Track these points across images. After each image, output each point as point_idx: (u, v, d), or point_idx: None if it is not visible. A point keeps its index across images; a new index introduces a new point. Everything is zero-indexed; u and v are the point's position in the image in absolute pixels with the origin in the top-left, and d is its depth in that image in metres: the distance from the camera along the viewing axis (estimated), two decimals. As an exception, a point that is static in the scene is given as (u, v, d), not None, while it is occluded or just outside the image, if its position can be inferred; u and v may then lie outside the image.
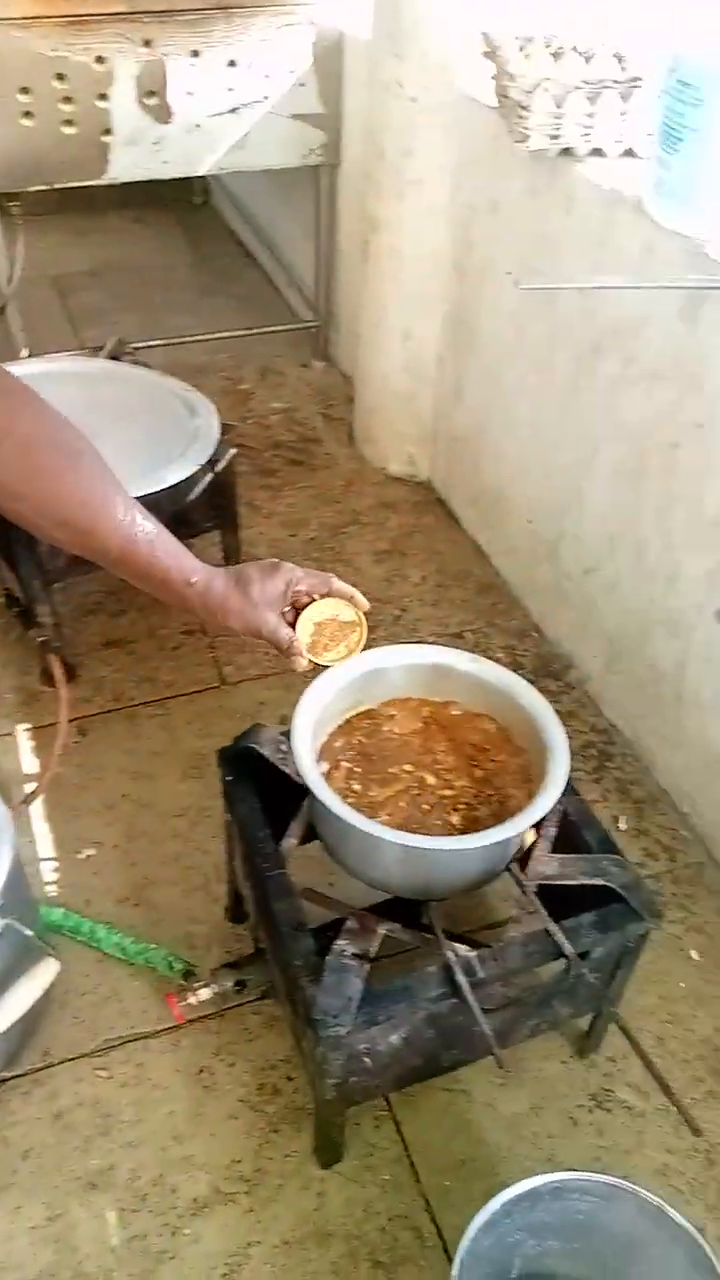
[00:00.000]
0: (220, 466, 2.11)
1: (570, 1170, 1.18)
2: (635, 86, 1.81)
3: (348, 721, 1.48)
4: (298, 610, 1.24)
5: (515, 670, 2.23)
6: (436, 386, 2.63)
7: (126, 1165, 1.46)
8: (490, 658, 2.27)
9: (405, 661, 1.49)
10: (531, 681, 2.21)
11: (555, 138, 1.86)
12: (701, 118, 1.51)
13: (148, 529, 1.07)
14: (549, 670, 2.26)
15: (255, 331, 3.35)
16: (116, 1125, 1.50)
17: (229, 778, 1.53)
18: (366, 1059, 1.29)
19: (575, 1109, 1.53)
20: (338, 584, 1.24)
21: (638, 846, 1.89)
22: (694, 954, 1.73)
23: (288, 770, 1.44)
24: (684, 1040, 1.61)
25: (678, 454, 1.73)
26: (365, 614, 1.31)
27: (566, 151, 1.89)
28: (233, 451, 2.14)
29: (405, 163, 2.33)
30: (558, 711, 2.14)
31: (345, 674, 1.44)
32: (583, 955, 1.33)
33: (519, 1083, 1.55)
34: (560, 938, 1.29)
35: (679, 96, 1.53)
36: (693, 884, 1.84)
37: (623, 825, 1.93)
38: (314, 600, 1.25)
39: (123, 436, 2.12)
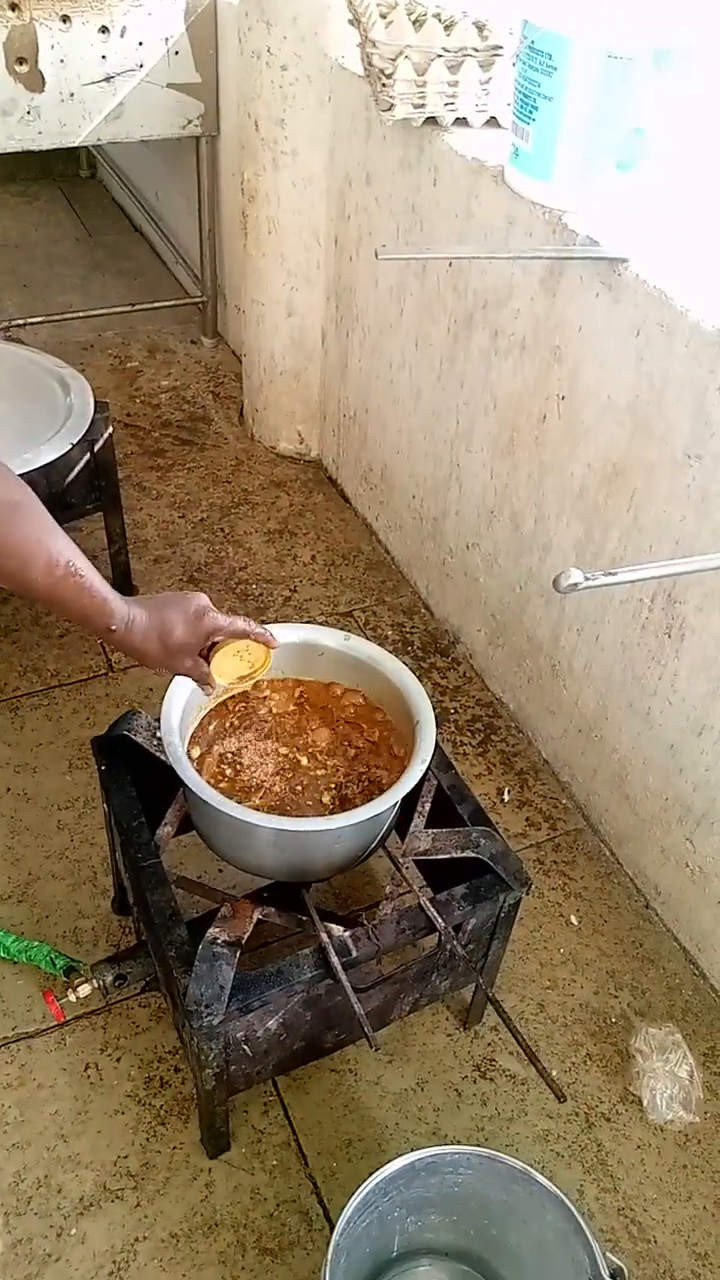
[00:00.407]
0: (98, 445, 2.06)
1: (446, 1144, 1.19)
2: (496, 55, 1.80)
3: (221, 704, 1.46)
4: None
5: (405, 647, 2.26)
6: (322, 363, 2.60)
7: (11, 1168, 1.43)
8: (380, 635, 2.29)
9: (278, 640, 1.47)
10: (419, 659, 2.25)
11: (419, 106, 1.84)
12: (555, 86, 1.50)
13: (77, 579, 1.07)
14: (437, 646, 2.27)
15: (143, 308, 3.27)
16: (0, 1127, 1.47)
17: (104, 766, 1.49)
18: (245, 1046, 1.28)
19: (460, 1081, 1.54)
20: (255, 630, 1.25)
21: (521, 817, 1.91)
22: (573, 919, 1.76)
23: (163, 757, 1.41)
24: (564, 1005, 1.64)
25: (546, 426, 1.74)
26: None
27: (432, 121, 1.87)
28: (109, 430, 2.08)
29: (278, 132, 2.29)
30: (446, 687, 2.19)
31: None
32: (457, 928, 1.33)
33: (405, 1058, 1.56)
34: (431, 912, 1.30)
35: (532, 64, 1.52)
36: (572, 850, 1.87)
37: (506, 797, 1.95)
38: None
39: (-9, 417, 2.06)
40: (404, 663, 1.45)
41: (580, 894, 1.81)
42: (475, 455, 1.99)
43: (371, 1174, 1.18)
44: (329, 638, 1.46)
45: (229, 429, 2.90)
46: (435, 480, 2.18)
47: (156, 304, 3.29)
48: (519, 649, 2.01)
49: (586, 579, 0.91)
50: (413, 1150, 1.33)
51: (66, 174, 4.25)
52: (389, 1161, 1.18)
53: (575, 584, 0.91)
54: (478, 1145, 1.45)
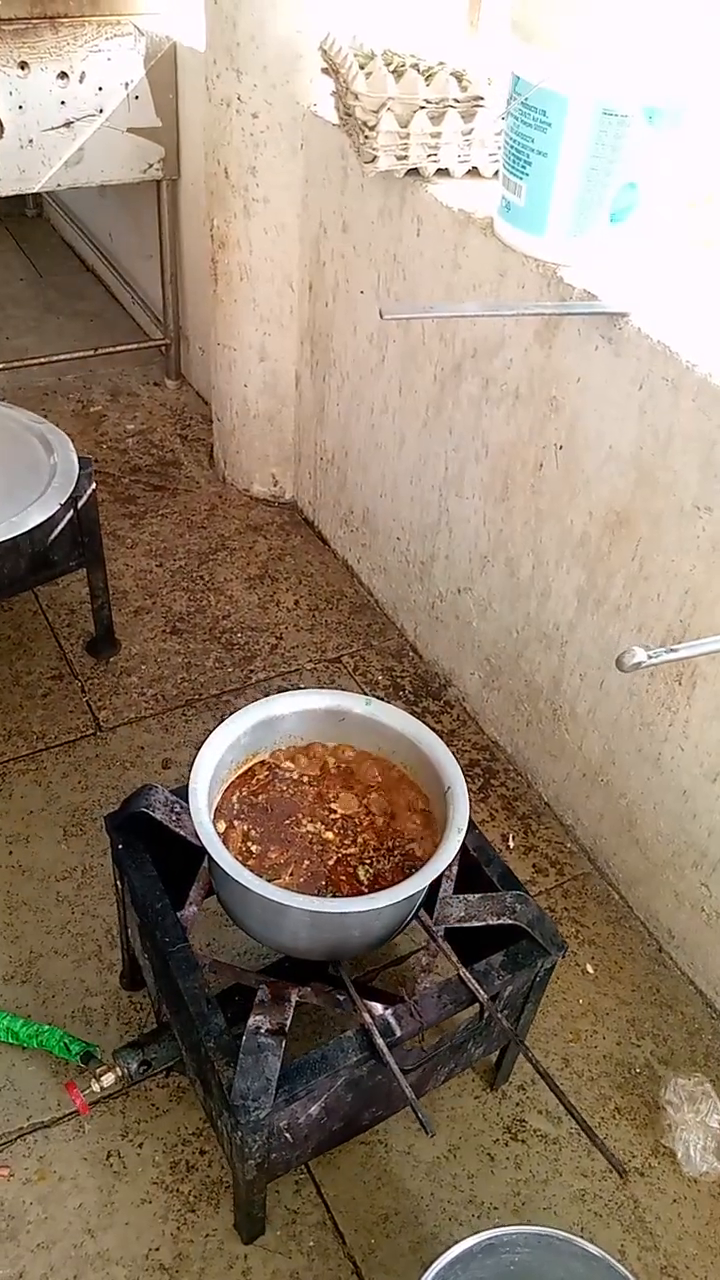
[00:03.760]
0: (81, 503, 2.01)
1: (501, 1225, 1.17)
2: (478, 106, 1.81)
3: (244, 775, 1.43)
4: None
5: (396, 691, 2.24)
6: (297, 406, 2.58)
7: (37, 1270, 1.37)
8: (370, 680, 2.27)
9: (299, 707, 1.44)
10: (411, 703, 2.23)
11: (402, 158, 1.84)
12: (549, 142, 1.51)
13: None
14: (428, 690, 2.26)
15: (103, 351, 3.22)
16: (23, 1227, 1.41)
17: (120, 845, 1.44)
18: (287, 1134, 1.24)
19: (491, 1144, 1.52)
20: None
21: (528, 863, 1.90)
22: (589, 968, 1.75)
23: (183, 833, 1.37)
24: (588, 1059, 1.63)
25: (542, 474, 1.74)
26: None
27: (414, 171, 1.87)
28: (93, 487, 2.04)
29: (249, 180, 2.27)
30: (440, 731, 2.17)
31: (238, 725, 1.39)
32: (493, 997, 1.31)
33: (435, 1125, 1.53)
34: (473, 984, 1.27)
35: (525, 120, 1.53)
36: (581, 895, 1.86)
37: (512, 843, 1.93)
38: None
39: (-26, 479, 2.00)
40: (397, 707, 1.43)
41: (594, 940, 1.80)
42: (466, 501, 1.99)
43: (416, 1247, 1.15)
44: (352, 703, 1.44)
45: (200, 472, 2.87)
46: (423, 525, 2.17)
47: (118, 347, 3.24)
48: (516, 693, 2.00)
49: (650, 656, 0.90)
50: (449, 1221, 1.31)
51: (11, 214, 4.19)
52: (429, 1233, 1.16)
53: (639, 663, 0.90)
54: (515, 1210, 1.44)
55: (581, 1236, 1.18)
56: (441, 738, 2.13)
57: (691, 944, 1.72)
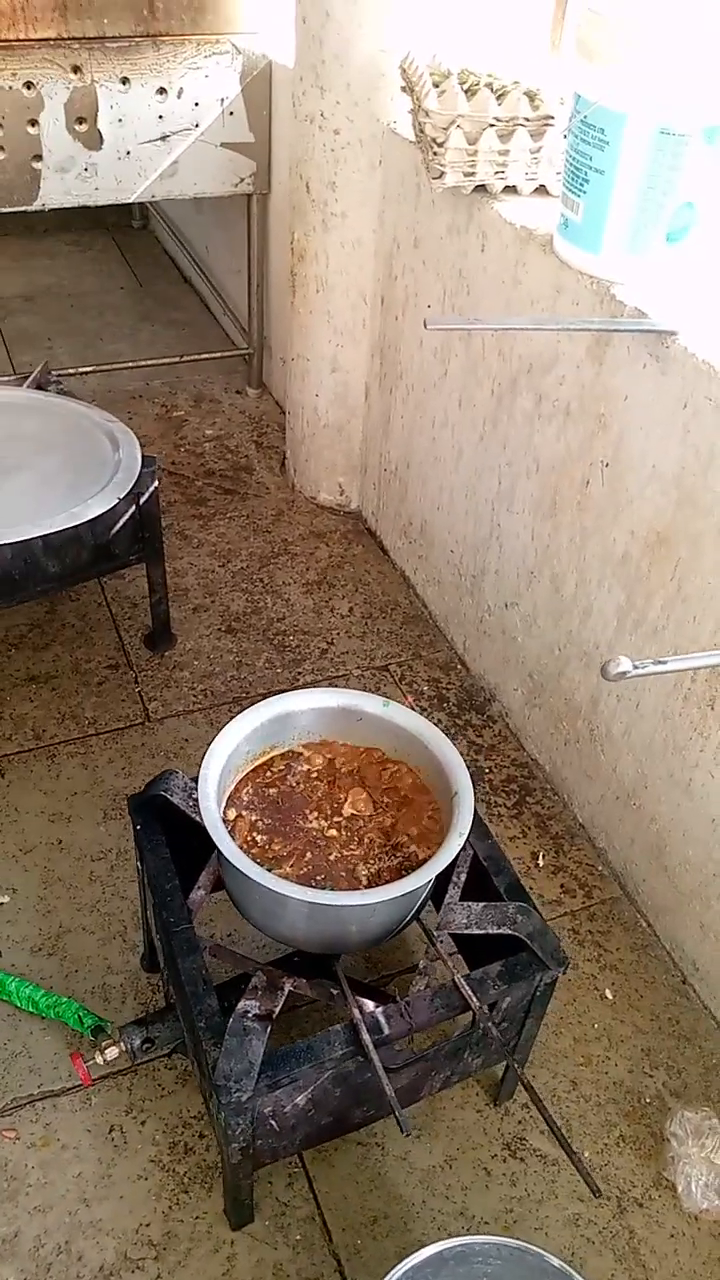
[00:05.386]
0: (144, 499, 2.09)
1: (477, 1234, 1.16)
2: (547, 125, 1.82)
3: (258, 768, 1.46)
4: None
5: (440, 704, 2.25)
6: (365, 417, 2.62)
7: (31, 1232, 1.41)
8: (416, 691, 2.29)
9: (315, 705, 1.47)
10: (454, 715, 2.23)
11: (470, 175, 1.86)
12: (607, 160, 1.52)
13: None
14: (473, 704, 2.25)
15: (190, 359, 3.32)
16: (23, 1189, 1.46)
17: (139, 826, 1.49)
18: (272, 1121, 1.26)
19: (489, 1159, 1.50)
20: None
21: (556, 883, 1.88)
22: (608, 993, 1.72)
23: (198, 819, 1.41)
24: (597, 1084, 1.60)
25: (589, 491, 1.73)
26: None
27: (482, 188, 1.89)
28: (155, 484, 2.11)
29: (329, 194, 2.32)
30: (481, 745, 2.17)
31: (254, 719, 1.43)
32: (491, 1006, 1.31)
33: (433, 1133, 1.52)
34: (466, 991, 1.27)
35: (584, 138, 1.54)
36: (608, 920, 1.84)
37: (541, 861, 1.92)
38: None
39: (43, 469, 2.09)
40: (439, 719, 1.44)
41: (616, 966, 1.77)
42: (516, 516, 1.99)
43: (403, 1253, 1.15)
44: (366, 702, 1.46)
45: (271, 479, 2.93)
46: (475, 538, 2.18)
47: (204, 355, 3.34)
48: (556, 711, 1.99)
49: (636, 667, 0.90)
50: (439, 1231, 1.29)
51: (119, 224, 4.35)
52: (416, 1240, 1.15)
53: (624, 672, 0.90)
54: (506, 1227, 1.43)
55: (572, 1262, 1.17)
56: (482, 752, 2.16)
57: (715, 977, 1.68)
